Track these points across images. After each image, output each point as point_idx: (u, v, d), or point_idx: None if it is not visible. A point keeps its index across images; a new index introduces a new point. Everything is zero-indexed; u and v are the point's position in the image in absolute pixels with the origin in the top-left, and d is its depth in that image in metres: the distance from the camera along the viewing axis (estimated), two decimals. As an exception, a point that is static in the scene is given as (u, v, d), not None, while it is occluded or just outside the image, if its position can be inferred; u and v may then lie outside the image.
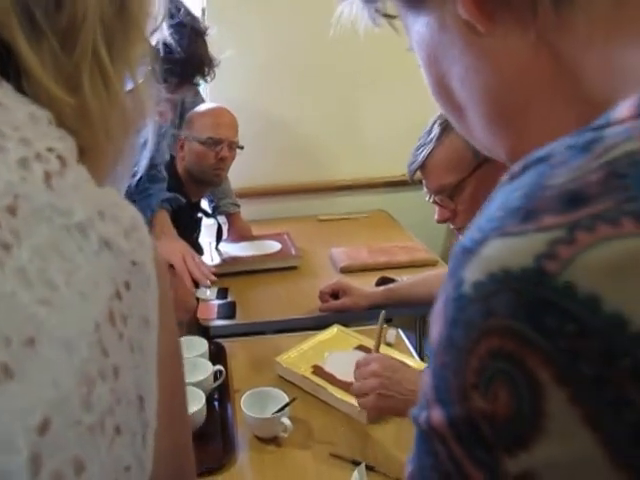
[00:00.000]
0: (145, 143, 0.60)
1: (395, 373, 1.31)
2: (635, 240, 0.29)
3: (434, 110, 1.80)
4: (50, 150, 0.42)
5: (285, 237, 2.45)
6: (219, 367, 1.54)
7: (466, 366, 0.32)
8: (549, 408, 0.30)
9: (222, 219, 2.45)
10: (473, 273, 0.33)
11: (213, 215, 2.37)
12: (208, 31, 1.66)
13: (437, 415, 0.34)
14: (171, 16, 1.44)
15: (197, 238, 2.26)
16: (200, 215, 2.29)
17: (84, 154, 0.46)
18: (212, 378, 1.51)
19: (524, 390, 0.30)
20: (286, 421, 1.35)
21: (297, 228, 2.61)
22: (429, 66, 0.49)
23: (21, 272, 0.37)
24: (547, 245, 0.31)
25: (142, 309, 0.44)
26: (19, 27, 0.44)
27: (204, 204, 2.38)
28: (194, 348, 1.59)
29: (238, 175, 2.44)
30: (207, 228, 2.42)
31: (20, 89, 0.44)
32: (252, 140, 2.59)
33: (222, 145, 2.11)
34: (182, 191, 2.05)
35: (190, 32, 1.59)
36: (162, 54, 1.32)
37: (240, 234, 2.47)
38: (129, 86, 0.52)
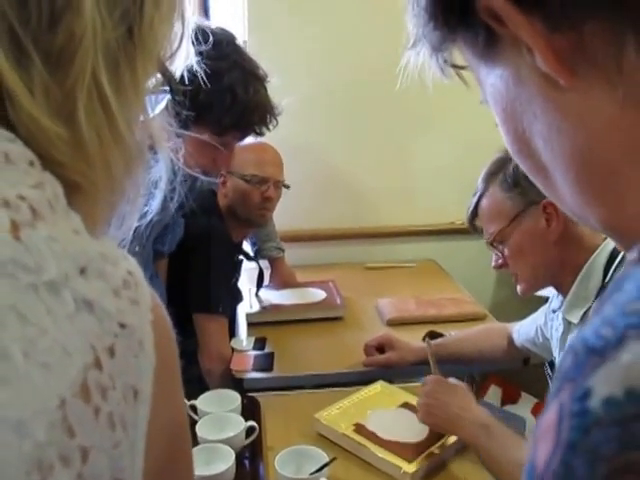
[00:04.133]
0: (157, 181, 0.55)
1: (443, 395, 1.42)
2: None
3: (485, 158, 1.74)
4: (21, 198, 0.37)
5: (331, 285, 2.33)
6: (252, 423, 1.42)
7: None
8: None
9: (264, 263, 2.35)
10: (605, 385, 0.25)
11: (255, 259, 2.27)
12: (269, 78, 1.61)
13: None
14: (226, 57, 1.37)
15: (236, 282, 2.16)
16: (241, 258, 2.18)
17: (78, 191, 0.42)
18: (244, 435, 1.40)
19: None
20: (324, 483, 1.23)
21: (342, 275, 2.50)
22: (506, 122, 0.45)
23: None
24: None
25: (130, 378, 0.38)
26: (2, 49, 0.39)
27: (246, 246, 2.29)
28: (226, 402, 1.49)
29: (283, 217, 2.34)
30: (248, 272, 2.30)
31: (6, 118, 0.40)
32: (298, 181, 2.51)
33: (268, 184, 2.01)
34: (223, 230, 1.97)
35: (253, 80, 1.54)
36: (228, 103, 1.25)
37: (284, 280, 2.36)
38: (136, 118, 0.47)
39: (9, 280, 0.34)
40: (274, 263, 2.39)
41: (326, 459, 1.29)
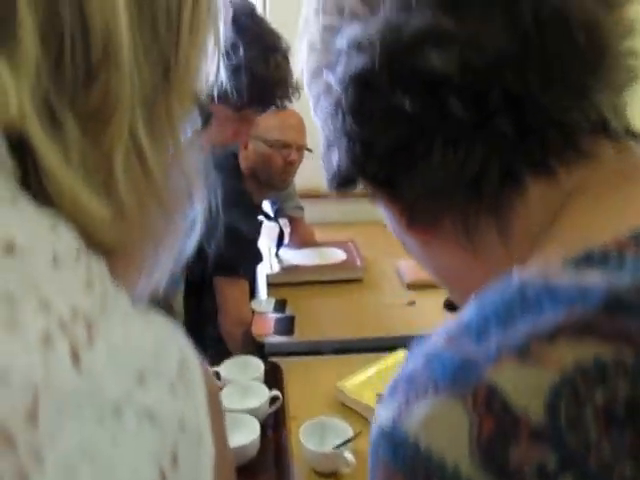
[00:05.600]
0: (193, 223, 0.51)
1: None
2: None
3: None
4: (75, 313, 0.33)
5: (350, 245, 2.32)
6: (276, 392, 1.43)
7: None
8: None
9: (283, 222, 2.34)
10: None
11: (275, 219, 2.25)
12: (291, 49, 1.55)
13: None
14: (254, 40, 1.32)
15: (256, 243, 2.15)
16: (261, 218, 2.16)
17: (116, 254, 0.39)
18: (268, 405, 1.40)
19: None
20: (349, 456, 1.24)
21: (362, 234, 2.47)
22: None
23: None
24: None
25: (192, 476, 0.36)
26: (36, 118, 0.35)
27: (266, 206, 2.27)
28: (249, 369, 1.50)
29: (303, 174, 2.31)
30: (267, 232, 2.28)
31: (42, 193, 0.36)
32: (318, 141, 2.46)
33: (291, 149, 1.99)
34: (244, 191, 1.95)
35: (274, 53, 1.50)
36: (248, 79, 1.21)
37: (303, 239, 2.35)
38: (172, 162, 0.44)
39: (75, 420, 0.31)
40: (293, 222, 2.38)
41: (350, 431, 1.29)
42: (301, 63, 0.58)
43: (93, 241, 0.38)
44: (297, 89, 1.58)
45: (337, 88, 0.52)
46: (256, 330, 1.80)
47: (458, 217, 0.53)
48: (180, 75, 0.42)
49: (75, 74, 0.37)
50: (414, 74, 0.48)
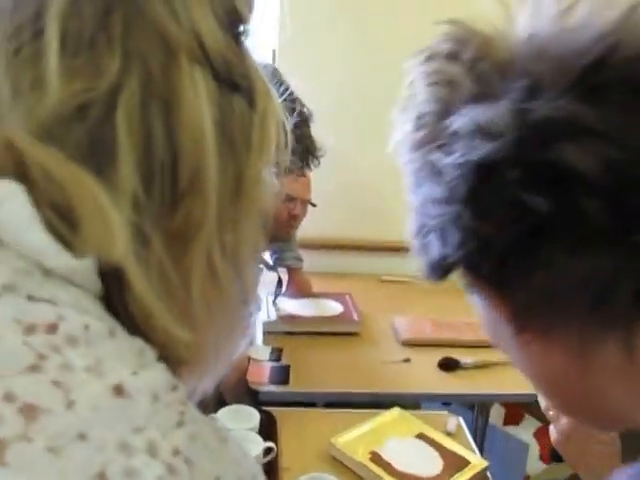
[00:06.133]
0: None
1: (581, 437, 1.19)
2: None
3: None
4: (176, 454, 0.35)
5: (347, 299, 2.33)
6: (270, 444, 1.43)
7: None
8: None
9: (282, 271, 2.35)
10: None
11: (274, 268, 2.28)
12: (312, 118, 1.58)
13: None
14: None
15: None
16: (261, 266, 2.19)
17: (185, 364, 0.41)
18: (262, 455, 1.40)
19: None
20: (340, 512, 1.24)
21: (358, 286, 2.51)
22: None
23: None
24: None
25: None
26: (132, 249, 0.37)
27: (266, 255, 2.29)
28: (243, 418, 1.50)
29: (302, 225, 2.35)
30: (265, 280, 2.30)
31: (127, 317, 0.38)
32: (320, 191, 2.49)
33: (295, 202, 2.03)
34: None
35: (299, 121, 1.52)
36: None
37: (300, 289, 2.37)
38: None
39: None
40: (292, 272, 2.40)
41: (342, 487, 1.29)
42: (397, 132, 0.53)
43: (171, 356, 0.40)
44: (318, 157, 1.61)
45: (451, 173, 0.46)
46: (251, 377, 1.80)
47: (575, 326, 0.47)
48: (251, 189, 0.44)
49: (163, 201, 0.39)
50: (547, 168, 0.43)
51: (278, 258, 2.35)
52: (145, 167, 0.38)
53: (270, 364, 1.89)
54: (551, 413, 1.29)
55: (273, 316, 2.16)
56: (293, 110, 1.49)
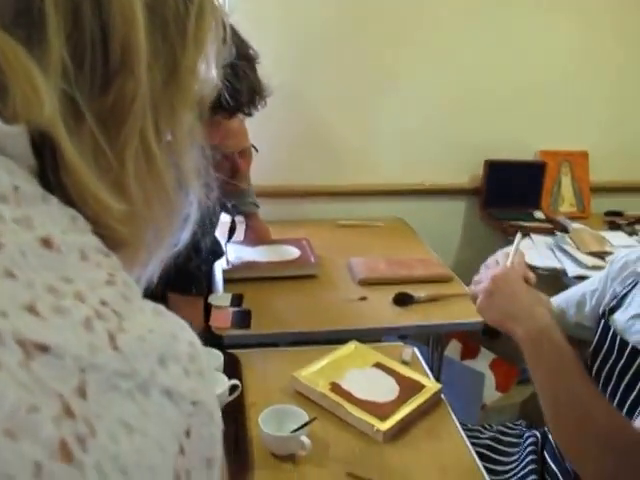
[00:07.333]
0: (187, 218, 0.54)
1: (507, 286, 1.25)
2: None
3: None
4: (104, 304, 0.37)
5: (304, 243, 2.40)
6: (235, 381, 1.50)
7: None
8: None
9: (239, 218, 2.39)
10: None
11: (232, 212, 2.30)
12: (259, 60, 1.60)
13: None
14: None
15: (214, 238, 2.18)
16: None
17: (124, 246, 0.42)
18: (227, 393, 1.48)
19: None
20: (305, 440, 1.33)
21: (315, 232, 2.58)
22: None
23: (98, 466, 0.32)
24: None
25: (205, 451, 0.39)
26: (61, 118, 0.39)
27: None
28: (209, 360, 1.56)
29: (257, 173, 2.38)
30: (220, 226, 2.28)
31: (61, 189, 0.40)
32: (274, 138, 2.52)
33: (234, 157, 1.98)
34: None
35: (243, 63, 1.54)
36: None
37: (258, 236, 2.42)
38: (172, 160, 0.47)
39: (114, 394, 0.34)
40: (249, 218, 2.44)
41: (306, 417, 1.37)
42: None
43: (107, 235, 0.41)
44: (264, 98, 1.64)
45: None
46: (215, 323, 1.86)
47: None
48: (186, 78, 0.46)
49: (94, 77, 0.40)
50: None
51: (234, 205, 2.37)
52: (74, 39, 0.39)
53: (232, 309, 1.95)
54: (475, 279, 1.36)
55: (232, 264, 2.20)
56: (239, 52, 1.52)
